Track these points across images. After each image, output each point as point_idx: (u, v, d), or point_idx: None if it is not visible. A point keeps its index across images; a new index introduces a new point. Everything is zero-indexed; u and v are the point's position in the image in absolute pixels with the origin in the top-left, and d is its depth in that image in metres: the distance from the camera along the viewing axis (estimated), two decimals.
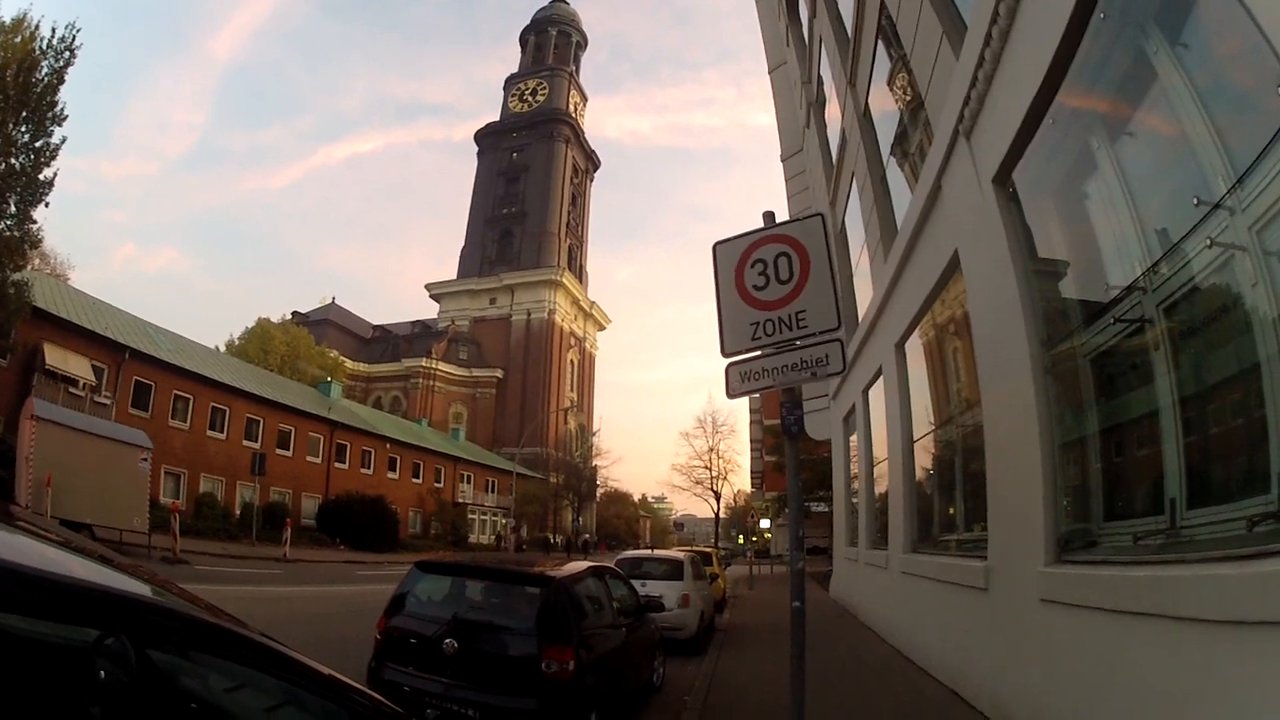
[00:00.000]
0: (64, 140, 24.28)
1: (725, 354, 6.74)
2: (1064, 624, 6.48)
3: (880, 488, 16.65)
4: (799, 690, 5.90)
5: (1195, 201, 4.80)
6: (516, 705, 6.71)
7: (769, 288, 6.49)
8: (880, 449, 16.40)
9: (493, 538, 73.25)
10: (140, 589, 2.11)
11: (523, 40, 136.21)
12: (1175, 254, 5.18)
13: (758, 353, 6.54)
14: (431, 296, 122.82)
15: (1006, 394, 8.09)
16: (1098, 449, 6.78)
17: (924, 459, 12.98)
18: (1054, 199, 7.64)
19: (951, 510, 11.28)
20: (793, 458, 6.59)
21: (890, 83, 13.19)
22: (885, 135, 14.36)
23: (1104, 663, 5.74)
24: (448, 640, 6.89)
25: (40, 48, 23.64)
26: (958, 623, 9.70)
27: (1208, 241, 4.72)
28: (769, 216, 7.18)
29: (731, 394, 6.83)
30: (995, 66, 7.68)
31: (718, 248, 6.86)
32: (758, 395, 74.33)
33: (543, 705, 6.68)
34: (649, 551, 20.14)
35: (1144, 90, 5.67)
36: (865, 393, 17.60)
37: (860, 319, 17.46)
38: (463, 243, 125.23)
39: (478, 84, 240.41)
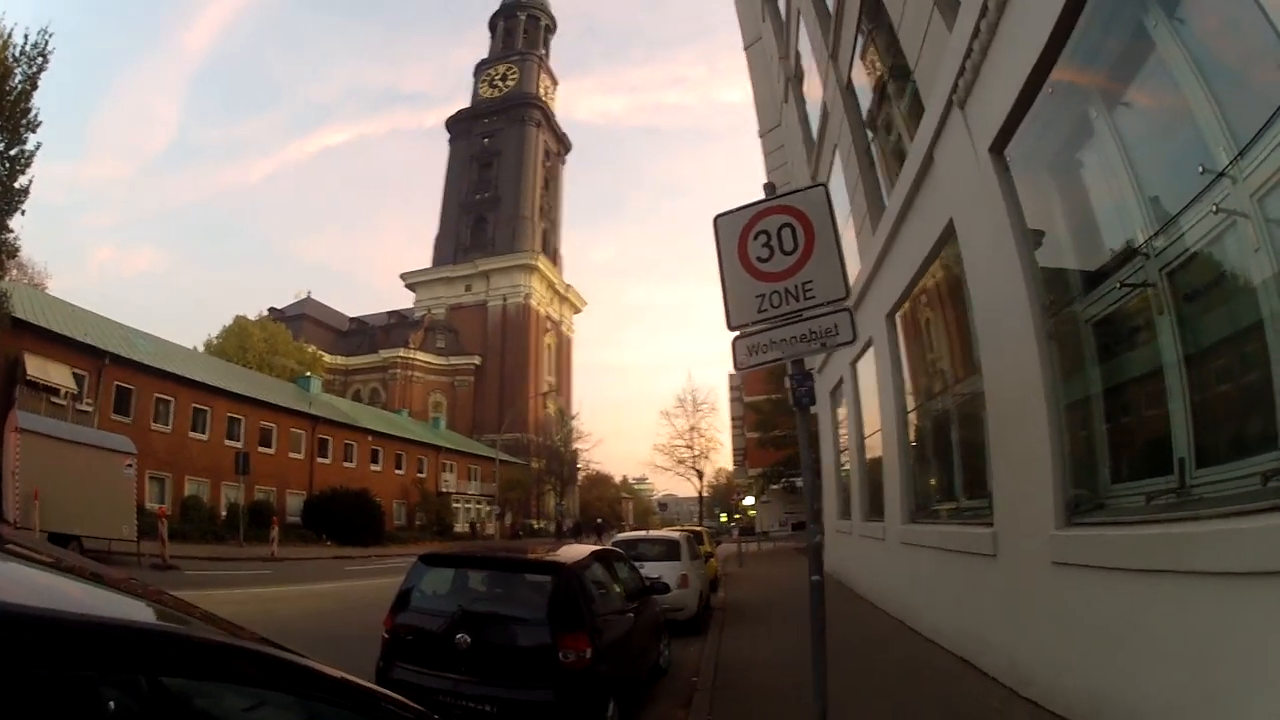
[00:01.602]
0: (39, 146, 23.90)
1: (731, 327, 6.75)
2: (1077, 585, 6.53)
3: (873, 461, 16.70)
4: (820, 664, 5.91)
5: (1200, 169, 4.85)
6: (534, 698, 6.61)
7: (774, 259, 6.50)
8: (871, 421, 16.47)
9: (466, 526, 72.60)
10: (141, 611, 2.05)
11: (492, 25, 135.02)
12: (1179, 220, 5.25)
13: (764, 325, 6.52)
14: (407, 286, 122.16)
15: (1009, 360, 8.12)
16: (1103, 413, 6.85)
17: (920, 429, 13.03)
18: (1052, 167, 7.67)
19: (951, 479, 11.32)
20: (804, 430, 6.60)
21: (875, 55, 13.13)
22: (869, 108, 14.33)
23: (1120, 620, 5.79)
24: (460, 635, 6.77)
25: (13, 55, 23.19)
26: (965, 590, 9.75)
27: (1213, 208, 4.78)
28: (769, 188, 7.15)
29: (739, 367, 6.84)
30: (991, 36, 7.66)
31: (719, 220, 6.86)
32: (736, 373, 74.65)
33: (560, 696, 6.60)
34: (644, 532, 20.12)
35: (1144, 61, 5.71)
36: (854, 365, 17.65)
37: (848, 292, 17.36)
38: (437, 230, 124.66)
39: (449, 70, 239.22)
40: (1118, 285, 6.14)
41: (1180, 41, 5.06)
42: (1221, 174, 4.67)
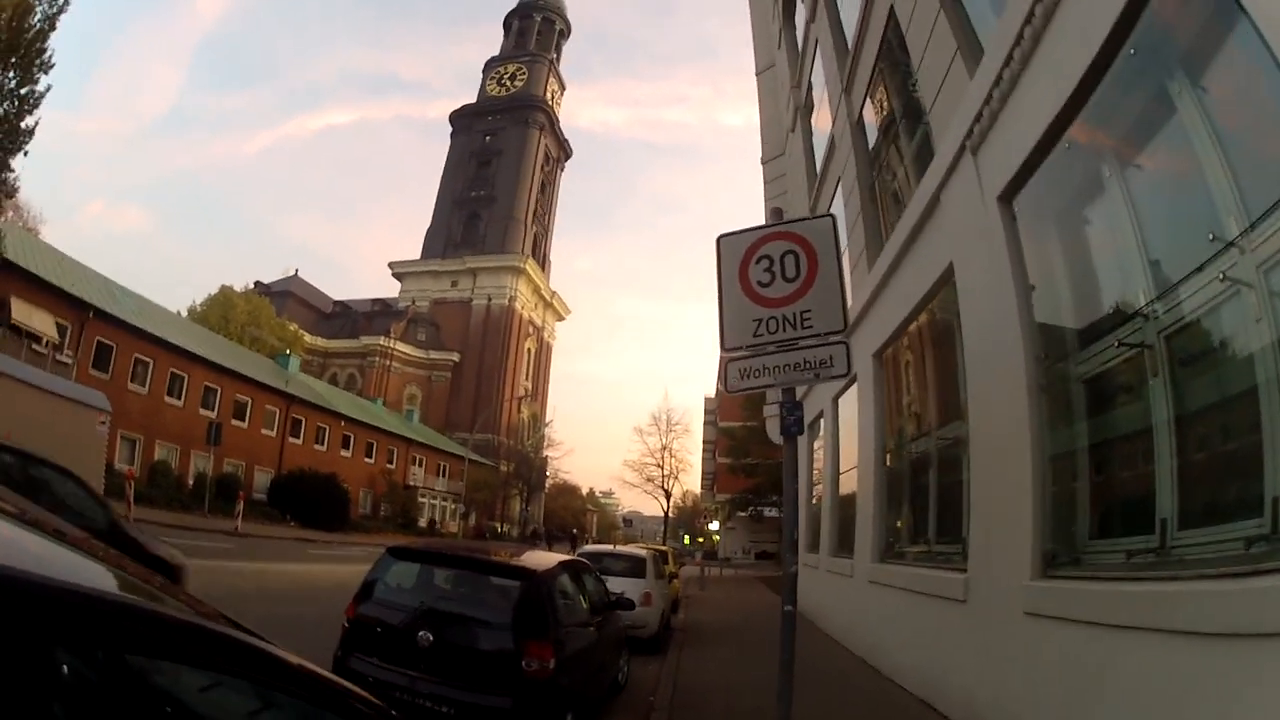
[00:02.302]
0: (49, 88, 23.83)
1: (725, 349, 6.72)
2: (1049, 637, 6.54)
3: (846, 496, 16.68)
4: (787, 694, 5.85)
5: (1210, 237, 4.88)
6: (493, 704, 6.51)
7: (774, 285, 6.45)
8: (848, 457, 16.46)
9: (426, 523, 71.83)
10: (103, 578, 1.97)
11: (506, 23, 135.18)
12: (1182, 285, 5.29)
13: (759, 350, 6.50)
14: (394, 275, 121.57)
15: (997, 408, 8.15)
16: (1087, 468, 6.89)
17: (898, 469, 13.04)
18: (1060, 221, 7.69)
19: (925, 522, 11.34)
20: (790, 459, 6.54)
21: (890, 93, 13.19)
22: (877, 145, 14.39)
23: (1092, 675, 5.81)
24: (422, 633, 6.67)
25: None
26: (932, 633, 9.76)
27: (1220, 275, 4.81)
28: (777, 213, 7.15)
29: (730, 390, 6.79)
30: (1012, 87, 7.72)
31: (722, 240, 6.81)
32: (713, 395, 74.82)
33: (520, 704, 6.50)
34: (611, 547, 20.08)
35: (1163, 125, 5.77)
36: (836, 400, 17.65)
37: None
38: (429, 223, 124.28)
39: (456, 64, 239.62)
40: (1115, 344, 6.15)
41: (1201, 109, 5.10)
42: (1231, 244, 4.71)
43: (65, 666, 1.37)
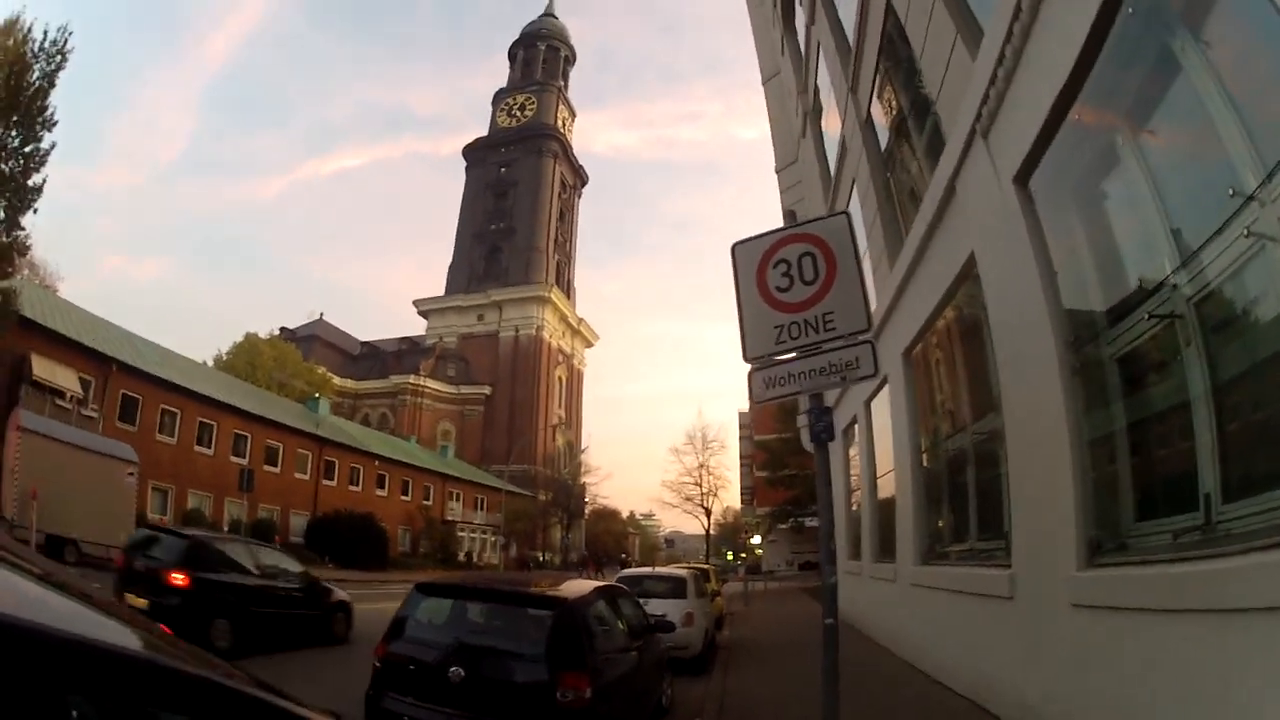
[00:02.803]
0: (54, 145, 24.13)
1: (747, 359, 6.54)
2: (1098, 628, 6.32)
3: (884, 501, 16.45)
4: (832, 708, 5.62)
5: (1230, 193, 4.69)
6: None
7: (793, 289, 6.30)
8: (884, 461, 16.23)
9: (464, 556, 71.81)
10: (127, 638, 1.94)
11: (511, 55, 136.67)
12: (1206, 248, 5.08)
13: (782, 357, 6.32)
14: (419, 313, 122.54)
15: (1031, 396, 7.92)
16: (1127, 449, 6.63)
17: (934, 468, 12.79)
18: (1077, 197, 7.48)
19: (966, 520, 11.07)
20: (822, 467, 6.33)
21: (896, 88, 13.02)
22: (889, 142, 14.21)
23: (1143, 664, 5.59)
24: (453, 669, 6.53)
25: (32, 51, 23.44)
26: (978, 633, 9.53)
27: (1244, 231, 4.61)
28: (790, 216, 6.97)
29: (756, 400, 6.64)
30: (1016, 63, 7.54)
31: (737, 249, 6.67)
32: (747, 410, 74.60)
33: None
34: (650, 569, 19.92)
35: (1170, 85, 5.56)
36: (868, 405, 17.42)
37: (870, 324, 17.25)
38: (450, 258, 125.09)
39: (466, 98, 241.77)
40: (1145, 317, 5.95)
41: (1206, 63, 4.94)
42: (1250, 198, 4.53)
43: (75, 713, 1.37)
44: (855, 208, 16.69)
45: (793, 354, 6.29)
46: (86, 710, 1.39)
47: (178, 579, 12.70)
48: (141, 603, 12.35)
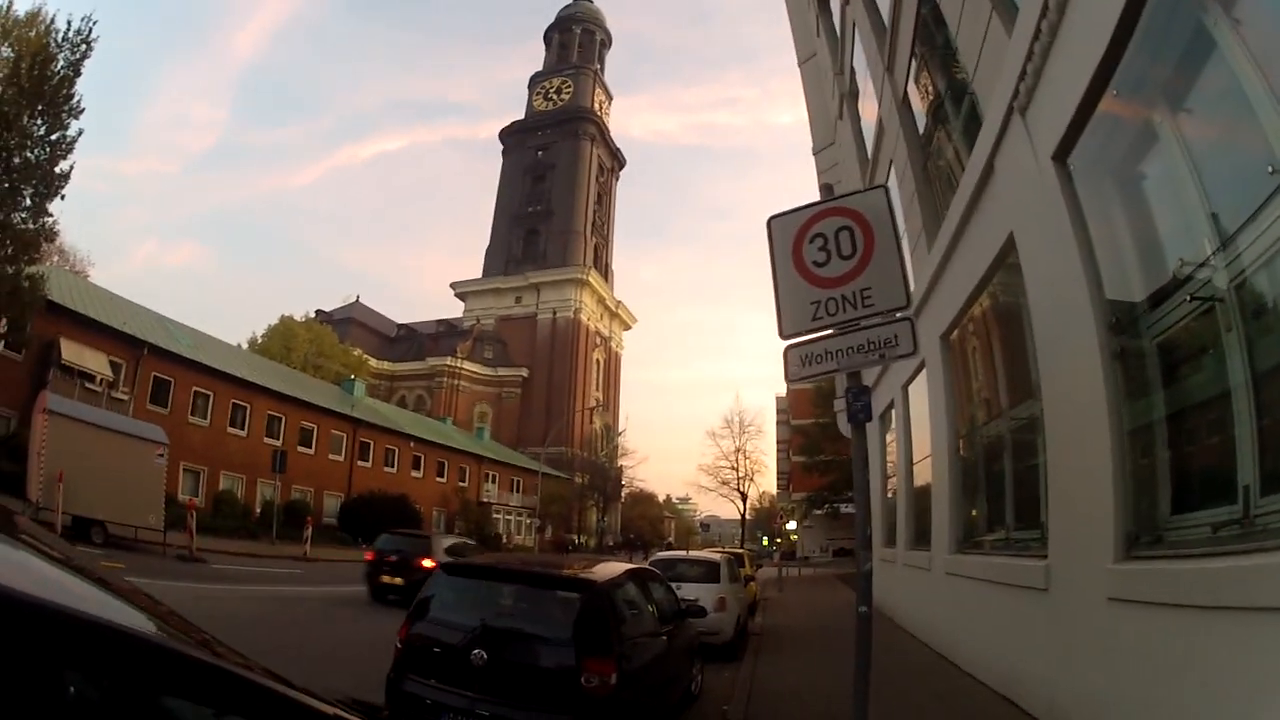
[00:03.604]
0: (80, 133, 24.49)
1: (784, 336, 6.36)
2: (1132, 623, 6.14)
3: (920, 487, 16.28)
4: (862, 699, 5.48)
5: (1270, 170, 4.48)
6: None
7: (830, 264, 6.13)
8: (921, 447, 16.06)
9: (495, 537, 68.91)
10: (132, 618, 1.89)
11: (547, 38, 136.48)
12: (1248, 228, 4.86)
13: (819, 334, 6.15)
14: (457, 295, 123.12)
15: (1070, 382, 7.69)
16: (1165, 438, 6.39)
17: (971, 456, 12.55)
18: (1117, 175, 7.25)
19: (1002, 509, 10.84)
20: (859, 448, 6.17)
21: (932, 67, 12.78)
22: (926, 121, 13.96)
23: (1179, 661, 5.40)
24: (476, 651, 6.41)
25: (56, 40, 23.75)
26: (1011, 625, 9.36)
27: None
28: (826, 189, 6.80)
29: (791, 379, 6.50)
30: (1052, 39, 7.34)
31: (773, 222, 6.50)
32: (784, 395, 74.38)
33: None
34: (684, 553, 19.84)
35: (1207, 60, 5.35)
36: (905, 389, 17.21)
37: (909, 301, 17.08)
38: (488, 241, 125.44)
39: (501, 82, 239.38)
40: (1186, 299, 5.72)
41: (1239, 36, 4.76)
42: None
43: (72, 688, 1.36)
44: (893, 187, 16.44)
45: (830, 331, 6.14)
46: (84, 687, 1.38)
47: (427, 564, 17.78)
48: (398, 581, 19.25)
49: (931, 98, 13.43)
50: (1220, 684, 4.84)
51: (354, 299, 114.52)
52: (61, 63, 23.76)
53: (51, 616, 1.36)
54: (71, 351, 31.80)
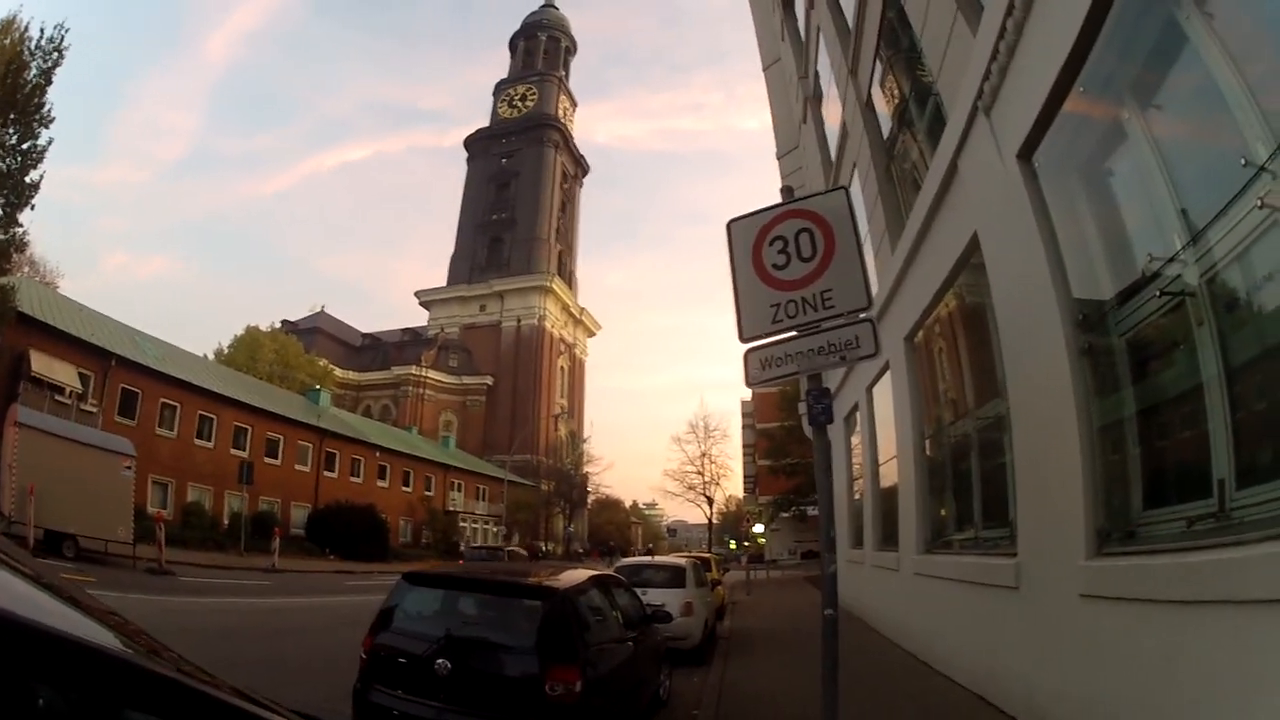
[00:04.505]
0: (50, 142, 24.24)
1: (743, 339, 6.35)
2: (1108, 620, 6.12)
3: (887, 488, 16.28)
4: (832, 702, 5.43)
5: (1243, 162, 4.48)
6: None
7: (790, 266, 6.15)
8: (887, 448, 16.08)
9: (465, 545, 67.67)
10: (101, 635, 1.81)
11: (512, 45, 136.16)
12: (1218, 222, 4.87)
13: (779, 337, 6.13)
14: (421, 304, 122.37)
15: (1038, 380, 7.70)
16: (1136, 434, 6.41)
17: (938, 456, 12.58)
18: (1084, 172, 7.28)
19: (970, 508, 10.87)
20: (821, 451, 6.14)
21: (896, 68, 12.83)
22: (890, 124, 14.01)
23: (1159, 657, 5.38)
24: (440, 660, 6.31)
25: (29, 49, 23.50)
26: (983, 624, 9.35)
27: (1258, 203, 4.38)
28: (787, 192, 6.78)
29: (751, 382, 6.46)
30: (1018, 36, 7.35)
31: (732, 225, 6.52)
32: (749, 399, 74.58)
33: None
34: (649, 558, 19.79)
35: (1176, 55, 5.39)
36: (870, 390, 17.26)
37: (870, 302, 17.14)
38: (453, 249, 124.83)
39: (468, 89, 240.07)
40: (1156, 295, 5.71)
41: (1211, 30, 4.76)
42: (1261, 169, 4.32)
43: (42, 701, 1.29)
44: (856, 190, 16.48)
45: (790, 333, 6.12)
46: (54, 700, 1.31)
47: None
48: None
49: (896, 100, 13.48)
50: (1199, 676, 4.84)
51: (320, 309, 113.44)
52: (34, 70, 23.58)
53: (21, 630, 1.31)
54: (41, 363, 31.59)
